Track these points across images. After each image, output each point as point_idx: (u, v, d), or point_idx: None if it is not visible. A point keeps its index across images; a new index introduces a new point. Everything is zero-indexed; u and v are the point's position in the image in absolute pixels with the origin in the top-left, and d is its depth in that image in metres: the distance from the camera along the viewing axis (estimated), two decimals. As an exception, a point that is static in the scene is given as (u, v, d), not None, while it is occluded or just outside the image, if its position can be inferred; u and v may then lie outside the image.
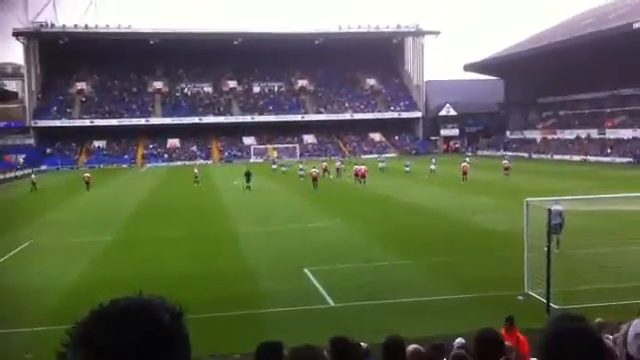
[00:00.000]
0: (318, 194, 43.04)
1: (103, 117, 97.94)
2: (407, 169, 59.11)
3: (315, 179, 46.81)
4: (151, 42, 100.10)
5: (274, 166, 67.45)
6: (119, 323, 1.28)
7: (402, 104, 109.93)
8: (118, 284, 18.42)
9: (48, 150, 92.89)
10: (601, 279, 15.87)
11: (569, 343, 2.30)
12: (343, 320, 14.60)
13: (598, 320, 7.20)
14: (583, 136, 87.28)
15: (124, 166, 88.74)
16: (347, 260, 21.22)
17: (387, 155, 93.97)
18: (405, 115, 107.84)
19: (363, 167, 50.98)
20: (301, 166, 59.62)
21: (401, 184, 48.55)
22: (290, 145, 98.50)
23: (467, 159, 59.77)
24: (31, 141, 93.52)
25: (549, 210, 16.37)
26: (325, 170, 56.89)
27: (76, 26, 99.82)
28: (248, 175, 48.34)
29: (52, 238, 27.76)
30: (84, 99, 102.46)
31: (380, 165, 62.48)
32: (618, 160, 72.92)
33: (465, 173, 49.64)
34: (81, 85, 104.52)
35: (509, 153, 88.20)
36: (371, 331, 13.17)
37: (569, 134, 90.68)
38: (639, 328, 2.74)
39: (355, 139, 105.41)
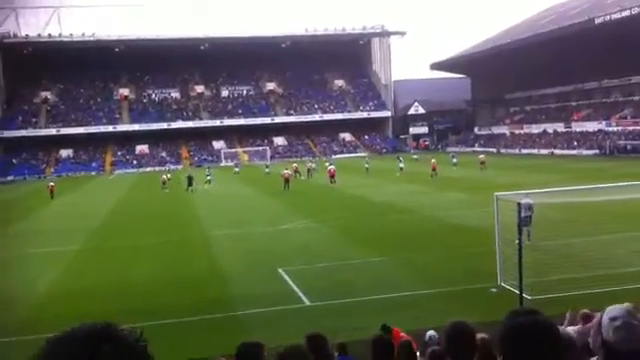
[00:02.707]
0: (290, 195, 43.01)
1: (70, 125, 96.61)
2: (367, 166, 61.41)
3: (287, 180, 46.83)
4: (116, 49, 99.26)
5: (236, 169, 71.25)
6: (79, 350, 1.22)
7: (371, 104, 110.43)
8: (88, 293, 18.27)
9: (14, 160, 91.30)
10: (571, 269, 16.12)
11: (525, 336, 2.37)
12: (319, 319, 14.61)
13: (583, 311, 7.28)
14: (550, 130, 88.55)
15: (92, 174, 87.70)
16: (321, 259, 21.24)
17: (358, 154, 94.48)
18: (374, 115, 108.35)
19: (332, 167, 51.28)
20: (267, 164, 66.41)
21: (373, 183, 48.76)
22: (260, 148, 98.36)
23: (454, 160, 61.29)
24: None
25: (518, 204, 16.58)
26: (296, 171, 57.19)
27: (39, 35, 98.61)
28: (190, 179, 49.95)
29: (18, 248, 27.29)
30: (50, 108, 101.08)
31: (366, 166, 62.72)
32: (585, 152, 74.10)
33: (434, 169, 50.46)
34: (46, 94, 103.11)
35: (480, 149, 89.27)
36: (348, 328, 13.24)
37: (536, 128, 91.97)
38: (613, 312, 2.80)
39: (325, 140, 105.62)
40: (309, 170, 58.60)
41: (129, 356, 1.23)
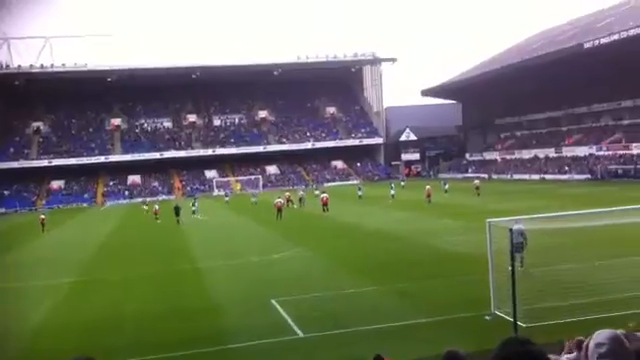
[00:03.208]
0: (282, 224, 42.89)
1: (61, 156, 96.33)
2: (360, 193, 62.07)
3: (279, 209, 46.63)
4: (108, 79, 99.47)
5: (226, 198, 71.66)
6: None
7: (363, 131, 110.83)
8: (80, 327, 18.08)
9: (6, 192, 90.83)
10: (566, 296, 16.06)
11: None
12: (313, 350, 14.49)
13: (578, 338, 7.20)
14: (541, 155, 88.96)
15: (84, 205, 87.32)
16: (314, 289, 21.09)
17: (351, 182, 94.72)
18: (366, 141, 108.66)
19: (325, 195, 51.12)
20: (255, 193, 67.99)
21: (365, 211, 48.73)
22: (253, 176, 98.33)
23: (446, 186, 62.15)
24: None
25: (510, 230, 16.58)
26: (289, 200, 56.98)
27: (31, 66, 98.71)
28: (177, 209, 50.09)
29: (8, 282, 27.03)
30: (41, 139, 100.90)
31: (359, 193, 62.80)
32: (576, 177, 74.39)
33: (429, 195, 50.64)
34: (38, 125, 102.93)
35: (471, 174, 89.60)
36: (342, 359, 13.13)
37: (527, 154, 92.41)
38: (599, 338, 2.78)
39: (317, 167, 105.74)
40: (301, 199, 58.51)
41: None
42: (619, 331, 3.07)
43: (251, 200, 63.66)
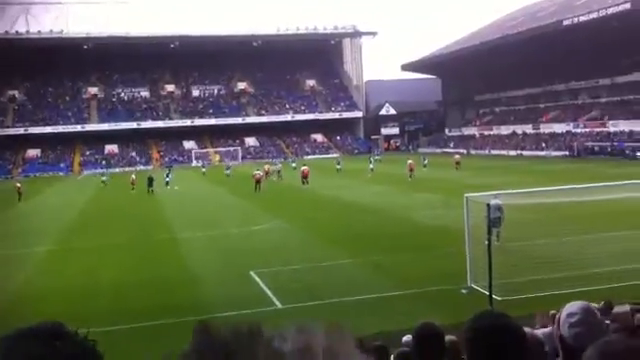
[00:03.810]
0: (261, 196, 42.87)
1: (37, 125, 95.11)
2: (338, 167, 61.55)
3: (258, 181, 46.47)
4: (84, 47, 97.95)
5: (203, 169, 71.30)
6: (32, 346, 1.22)
7: (342, 104, 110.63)
8: (56, 295, 17.99)
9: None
10: (541, 270, 16.28)
11: (489, 338, 2.36)
12: (291, 321, 14.55)
13: (552, 312, 7.29)
14: (519, 131, 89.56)
15: (61, 174, 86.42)
16: (293, 261, 21.18)
17: (330, 155, 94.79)
18: (346, 115, 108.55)
19: (305, 167, 51.04)
20: (229, 165, 68.85)
21: (344, 184, 48.81)
22: (232, 148, 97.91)
23: (425, 161, 62.08)
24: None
25: (488, 205, 16.74)
26: (267, 173, 56.45)
27: (7, 32, 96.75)
28: (150, 180, 50.07)
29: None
30: (17, 107, 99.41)
31: (338, 167, 62.49)
32: (553, 154, 75.10)
33: (412, 169, 50.47)
34: (13, 93, 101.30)
35: (450, 150, 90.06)
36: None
37: (505, 130, 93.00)
38: (570, 309, 2.81)
39: (297, 140, 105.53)
40: (279, 172, 58.27)
41: (82, 353, 1.24)
42: (592, 304, 3.11)
43: (225, 172, 63.45)
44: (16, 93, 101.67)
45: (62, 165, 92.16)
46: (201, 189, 52.22)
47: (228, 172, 63.00)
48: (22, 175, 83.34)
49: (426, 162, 61.78)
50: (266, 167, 58.83)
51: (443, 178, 49.12)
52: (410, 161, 52.47)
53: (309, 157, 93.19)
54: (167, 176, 55.67)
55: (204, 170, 70.61)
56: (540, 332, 7.46)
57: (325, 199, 39.68)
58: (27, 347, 1.23)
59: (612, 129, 73.92)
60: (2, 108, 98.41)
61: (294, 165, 65.63)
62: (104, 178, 63.19)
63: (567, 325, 2.75)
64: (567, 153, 73.40)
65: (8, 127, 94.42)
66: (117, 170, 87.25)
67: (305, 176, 49.10)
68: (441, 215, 28.41)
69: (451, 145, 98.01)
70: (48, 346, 1.22)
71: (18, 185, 51.15)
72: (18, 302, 17.67)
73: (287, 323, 0.99)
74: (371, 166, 58.00)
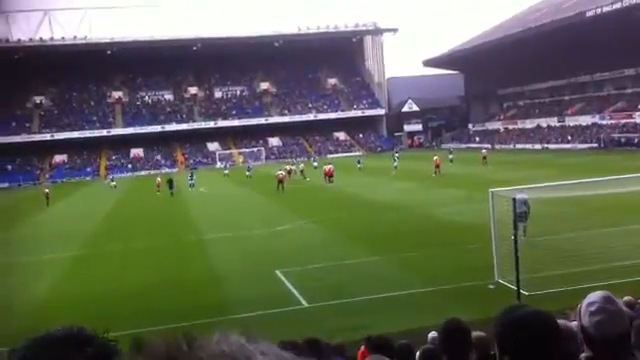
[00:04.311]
0: (285, 197, 42.96)
1: (63, 130, 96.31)
2: (359, 165, 61.37)
3: (280, 181, 46.55)
4: (108, 52, 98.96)
5: (225, 171, 71.54)
6: (57, 348, 1.26)
7: (365, 102, 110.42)
8: (85, 299, 18.21)
9: (9, 167, 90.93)
10: (568, 264, 16.15)
11: (525, 328, 2.35)
12: (318, 320, 14.61)
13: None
14: (544, 125, 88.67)
15: (87, 179, 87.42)
16: (318, 260, 21.23)
17: (353, 153, 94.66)
18: (368, 113, 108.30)
19: (330, 166, 51.17)
20: (249, 166, 68.79)
21: (369, 182, 48.75)
22: (255, 149, 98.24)
23: (450, 156, 61.79)
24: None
25: (513, 199, 16.62)
26: (289, 172, 56.42)
27: (31, 40, 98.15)
28: (170, 182, 51.13)
29: (14, 256, 27.13)
30: (43, 113, 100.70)
31: (358, 165, 62.44)
32: (579, 146, 74.22)
33: (438, 166, 50.17)
34: (39, 99, 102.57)
35: (474, 145, 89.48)
36: (346, 329, 13.25)
37: (530, 123, 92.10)
38: (591, 298, 2.81)
39: (320, 139, 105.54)
40: (302, 171, 58.45)
41: (103, 355, 1.27)
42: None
43: (246, 174, 63.16)
44: (42, 99, 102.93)
45: (89, 170, 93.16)
46: (225, 190, 52.46)
47: (249, 173, 63.00)
48: (50, 181, 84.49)
49: (452, 157, 61.35)
50: (288, 167, 58.92)
51: (468, 173, 48.82)
52: (436, 157, 52.05)
53: (332, 156, 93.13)
54: (191, 178, 56.12)
55: (227, 172, 70.85)
56: (574, 324, 7.40)
57: (349, 197, 39.64)
58: (50, 352, 1.25)
59: (638, 120, 72.87)
60: (28, 114, 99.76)
61: (316, 165, 65.53)
62: (113, 183, 64.06)
63: (588, 314, 2.75)
64: (594, 145, 72.45)
65: (35, 133, 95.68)
66: (143, 173, 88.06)
67: (330, 175, 49.31)
68: (467, 211, 28.26)
69: (476, 140, 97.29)
70: (69, 350, 1.30)
71: (47, 191, 52.82)
72: (46, 307, 17.89)
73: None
74: (395, 164, 57.63)
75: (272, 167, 64.25)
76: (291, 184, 48.94)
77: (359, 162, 63.04)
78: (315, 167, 63.38)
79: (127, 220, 37.22)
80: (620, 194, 19.66)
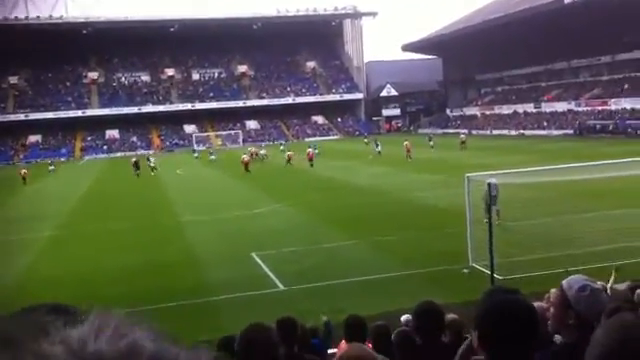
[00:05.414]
0: (261, 179, 42.88)
1: (38, 110, 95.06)
2: (315, 151, 57.02)
3: (246, 164, 47.65)
4: (84, 32, 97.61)
5: (195, 154, 71.26)
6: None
7: (343, 86, 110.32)
8: (61, 280, 18.07)
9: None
10: (541, 249, 16.36)
11: (504, 314, 2.38)
12: (294, 303, 14.63)
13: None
14: (520, 111, 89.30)
15: (62, 160, 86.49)
16: (294, 243, 21.26)
17: (331, 137, 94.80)
18: (347, 97, 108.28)
19: (310, 150, 52.13)
20: (212, 151, 69.11)
21: (346, 165, 48.86)
22: (233, 131, 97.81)
23: (431, 142, 61.55)
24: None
25: (489, 184, 16.75)
26: (252, 155, 56.22)
27: (6, 19, 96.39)
28: (136, 164, 52.10)
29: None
30: (17, 93, 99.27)
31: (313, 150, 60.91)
32: (555, 133, 74.89)
33: (409, 151, 50.65)
34: (14, 79, 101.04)
35: (452, 130, 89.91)
36: (321, 312, 13.30)
37: (507, 109, 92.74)
38: (577, 284, 2.85)
39: (298, 122, 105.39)
40: (264, 155, 59.36)
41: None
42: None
43: (210, 158, 63.17)
44: (16, 79, 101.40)
45: (63, 150, 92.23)
46: (201, 173, 52.28)
47: (213, 157, 62.85)
48: (24, 161, 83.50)
49: (432, 143, 61.36)
50: (251, 149, 60.83)
51: (445, 158, 49.09)
52: (406, 142, 52.59)
53: (310, 139, 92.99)
54: (148, 160, 56.56)
55: (197, 155, 70.26)
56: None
57: (325, 180, 39.67)
58: (27, 319, 1.22)
59: (614, 107, 73.67)
60: (3, 94, 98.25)
61: (282, 148, 65.78)
62: (51, 167, 64.27)
63: (582, 300, 2.79)
64: (569, 132, 73.11)
65: (9, 113, 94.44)
66: (118, 155, 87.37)
67: (311, 158, 50.10)
68: (442, 195, 28.44)
69: (453, 125, 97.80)
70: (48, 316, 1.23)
71: (24, 171, 53.27)
72: (24, 287, 17.73)
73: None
74: (378, 149, 56.88)
75: (237, 152, 64.27)
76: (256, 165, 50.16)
77: (314, 147, 58.62)
78: (281, 151, 63.04)
79: (105, 201, 36.91)
80: (594, 180, 19.90)
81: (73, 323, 0.81)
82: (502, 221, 19.88)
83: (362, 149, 61.11)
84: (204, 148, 79.85)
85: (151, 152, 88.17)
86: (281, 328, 5.32)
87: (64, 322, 0.88)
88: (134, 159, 55.01)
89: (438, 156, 51.68)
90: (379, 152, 56.18)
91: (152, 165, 53.86)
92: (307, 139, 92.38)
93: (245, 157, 49.58)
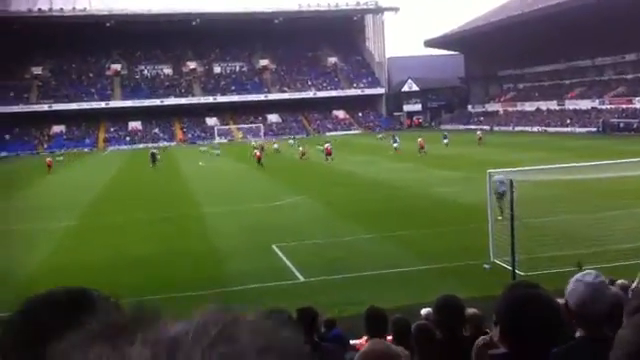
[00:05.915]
0: (282, 172, 42.96)
1: (61, 101, 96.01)
2: (320, 147, 56.37)
3: (259, 159, 48.09)
4: (107, 24, 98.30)
5: (202, 149, 70.96)
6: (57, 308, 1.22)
7: (365, 81, 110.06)
8: (83, 268, 18.21)
9: (7, 136, 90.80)
10: (564, 246, 16.22)
11: (526, 309, 2.38)
12: (313, 294, 14.68)
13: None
14: (543, 108, 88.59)
15: (85, 150, 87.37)
16: (315, 236, 21.30)
17: (353, 132, 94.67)
18: (368, 92, 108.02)
19: (328, 145, 52.04)
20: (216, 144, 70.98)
21: (366, 160, 48.80)
22: (254, 125, 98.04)
23: (445, 140, 59.18)
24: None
25: (510, 180, 16.64)
26: (262, 148, 55.24)
27: (30, 10, 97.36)
28: (153, 156, 52.82)
29: (16, 223, 27.17)
30: (41, 84, 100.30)
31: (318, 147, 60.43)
32: (578, 130, 74.21)
33: (422, 147, 50.55)
34: (38, 70, 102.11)
35: (473, 126, 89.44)
36: (340, 304, 13.34)
37: (529, 106, 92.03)
38: (574, 279, 2.86)
39: (319, 117, 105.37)
40: (276, 149, 60.57)
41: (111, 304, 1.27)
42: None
43: (214, 152, 62.93)
44: (40, 70, 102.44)
45: (87, 141, 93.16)
46: (222, 166, 52.52)
47: (217, 152, 62.61)
48: (47, 151, 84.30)
49: (446, 141, 59.27)
50: (259, 143, 61.62)
51: (465, 154, 48.79)
52: (420, 139, 52.44)
53: (331, 133, 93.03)
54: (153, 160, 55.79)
55: (203, 150, 69.56)
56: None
57: (345, 175, 39.65)
58: (52, 313, 1.21)
59: (638, 105, 72.82)
60: (27, 85, 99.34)
61: (291, 143, 67.16)
62: (59, 158, 65.17)
63: (573, 287, 2.80)
64: (592, 130, 72.41)
65: (33, 104, 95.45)
66: (141, 146, 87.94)
67: (329, 153, 50.16)
68: (463, 191, 28.30)
69: (474, 121, 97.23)
70: (72, 311, 1.22)
71: (49, 159, 55.14)
72: (46, 275, 17.86)
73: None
74: (396, 145, 56.48)
75: (266, 143, 64.49)
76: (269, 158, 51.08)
77: (321, 143, 57.83)
78: (291, 145, 63.31)
79: (128, 192, 37.20)
80: (619, 178, 19.70)
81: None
82: (508, 217, 19.69)
83: (383, 144, 60.96)
84: (225, 140, 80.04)
85: (173, 144, 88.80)
86: (301, 317, 5.36)
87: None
88: (152, 151, 55.82)
89: (458, 152, 51.31)
90: (395, 148, 55.71)
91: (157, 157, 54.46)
92: (328, 133, 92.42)
93: (256, 152, 49.97)
